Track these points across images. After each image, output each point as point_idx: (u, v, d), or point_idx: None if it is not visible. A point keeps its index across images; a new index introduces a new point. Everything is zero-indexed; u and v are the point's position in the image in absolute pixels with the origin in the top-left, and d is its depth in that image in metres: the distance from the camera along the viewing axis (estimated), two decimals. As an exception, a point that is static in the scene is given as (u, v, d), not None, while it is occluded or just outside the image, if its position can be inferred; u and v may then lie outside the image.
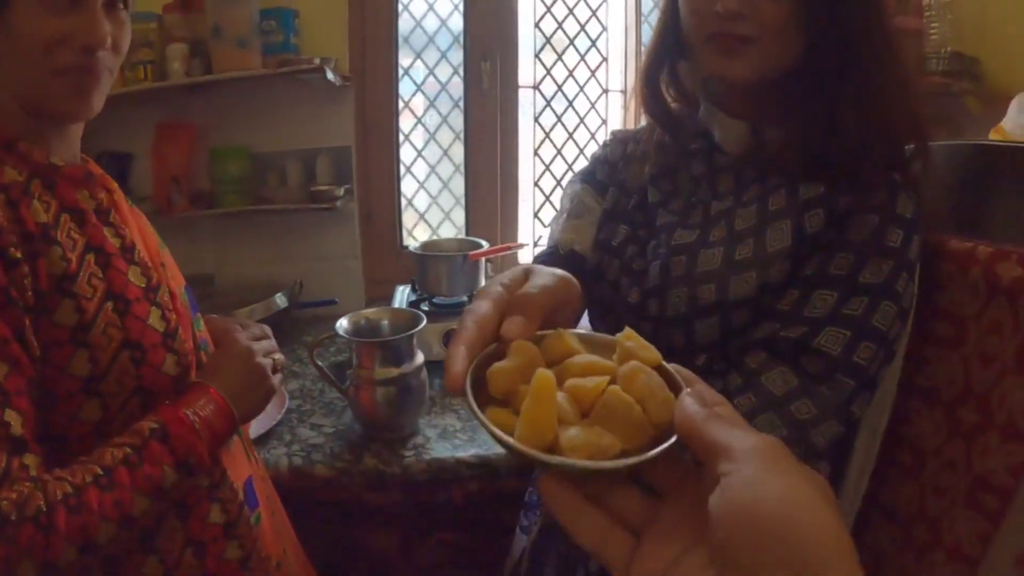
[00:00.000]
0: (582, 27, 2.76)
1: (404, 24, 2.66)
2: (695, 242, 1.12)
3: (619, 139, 1.37)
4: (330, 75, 2.27)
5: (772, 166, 1.11)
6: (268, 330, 1.33)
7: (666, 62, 1.24)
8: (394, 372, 1.68)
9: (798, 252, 1.05)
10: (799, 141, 1.08)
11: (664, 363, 0.61)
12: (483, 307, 0.65)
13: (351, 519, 1.79)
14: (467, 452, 1.69)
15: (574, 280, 0.75)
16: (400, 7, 2.64)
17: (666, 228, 1.17)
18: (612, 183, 1.31)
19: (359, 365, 1.69)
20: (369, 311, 1.81)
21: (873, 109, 1.05)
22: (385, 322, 1.80)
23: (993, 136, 1.83)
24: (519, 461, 0.58)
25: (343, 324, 1.69)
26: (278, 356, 1.29)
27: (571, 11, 2.74)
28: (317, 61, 2.25)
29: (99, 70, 1.04)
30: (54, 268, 0.97)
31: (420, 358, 1.75)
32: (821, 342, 0.99)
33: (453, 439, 1.75)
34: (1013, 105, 1.82)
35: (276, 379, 1.25)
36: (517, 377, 0.59)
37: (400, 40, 2.66)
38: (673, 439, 0.53)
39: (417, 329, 1.70)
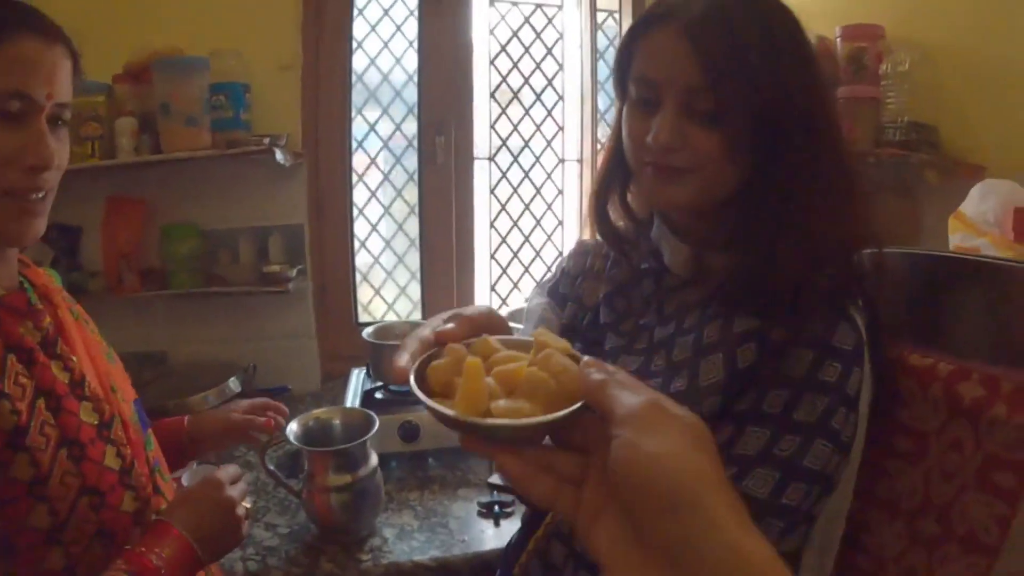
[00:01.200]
0: (538, 96, 2.77)
1: (358, 95, 2.65)
2: (637, 371, 1.13)
3: (581, 251, 1.38)
4: (279, 156, 2.24)
5: (714, 292, 1.12)
6: (240, 472, 1.29)
7: (616, 185, 1.26)
8: (348, 478, 1.64)
9: (729, 387, 1.04)
10: (740, 268, 1.08)
11: (573, 350, 0.72)
12: (423, 331, 0.75)
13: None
14: (425, 555, 1.65)
15: (497, 312, 0.84)
16: (354, 78, 2.62)
17: (612, 353, 1.19)
18: (571, 297, 1.33)
19: (311, 472, 1.66)
20: (320, 411, 1.78)
21: (816, 235, 1.04)
22: (337, 422, 1.77)
23: (952, 222, 1.82)
24: (461, 434, 0.67)
25: (293, 429, 1.65)
26: (250, 505, 1.26)
27: (527, 80, 2.76)
28: (266, 142, 2.22)
29: (44, 190, 1.03)
30: (5, 423, 0.93)
31: (374, 460, 1.71)
32: (749, 484, 0.98)
33: (411, 540, 1.70)
34: (975, 192, 1.82)
35: (246, 527, 1.23)
36: (452, 372, 0.69)
37: (354, 111, 2.64)
38: (580, 403, 0.63)
39: (370, 435, 1.66)
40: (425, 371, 0.72)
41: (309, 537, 1.71)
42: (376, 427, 1.68)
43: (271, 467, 1.68)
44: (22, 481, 0.93)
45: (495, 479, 1.83)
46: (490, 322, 0.82)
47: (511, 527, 1.71)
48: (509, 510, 1.79)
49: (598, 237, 1.31)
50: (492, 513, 1.79)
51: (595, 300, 1.28)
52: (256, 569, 1.59)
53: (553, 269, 1.45)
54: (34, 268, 1.16)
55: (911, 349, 1.19)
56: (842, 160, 1.08)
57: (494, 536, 1.71)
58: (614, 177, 1.25)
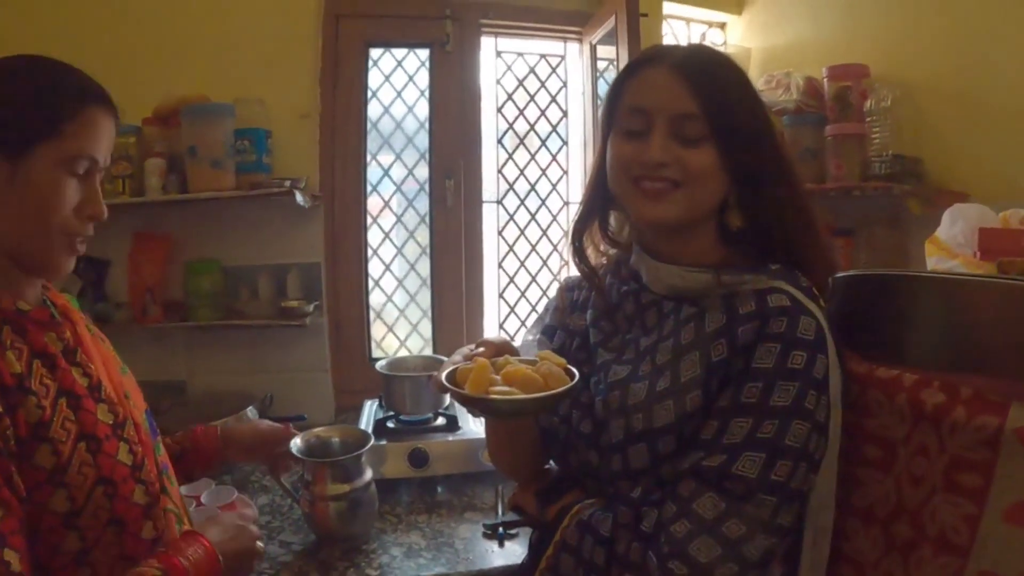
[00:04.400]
0: (543, 142, 2.88)
1: (373, 142, 2.78)
2: (627, 377, 1.25)
3: (568, 287, 1.51)
4: (299, 198, 2.36)
5: (687, 298, 1.25)
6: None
7: (595, 217, 1.40)
8: (345, 488, 1.77)
9: (708, 380, 1.16)
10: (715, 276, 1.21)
11: (568, 366, 1.21)
12: (456, 357, 1.27)
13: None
14: (431, 571, 1.73)
15: (510, 340, 1.33)
16: (369, 125, 2.75)
17: (604, 366, 1.31)
18: (560, 327, 1.47)
19: (311, 482, 1.78)
20: (320, 429, 1.91)
21: (784, 238, 1.23)
22: (336, 440, 1.91)
23: (929, 246, 1.88)
24: (470, 407, 1.28)
25: (296, 443, 1.77)
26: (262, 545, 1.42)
27: (532, 127, 2.87)
28: (287, 184, 2.34)
29: (87, 237, 1.20)
30: (31, 416, 1.05)
31: (369, 475, 1.84)
32: (739, 467, 1.09)
33: (418, 558, 1.79)
34: (946, 217, 1.88)
35: (257, 562, 1.37)
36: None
37: (368, 157, 2.77)
38: (554, 391, 1.14)
39: (365, 449, 1.81)
40: (454, 377, 1.20)
41: (323, 554, 1.79)
42: (371, 443, 1.83)
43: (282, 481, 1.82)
44: (44, 468, 1.05)
45: (509, 516, 1.88)
46: (507, 346, 1.30)
47: (514, 547, 1.79)
48: (513, 532, 1.86)
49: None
50: (496, 535, 1.86)
51: (581, 326, 1.41)
52: (270, 583, 1.69)
53: (545, 307, 1.59)
54: (53, 291, 1.29)
55: (878, 363, 1.25)
56: (798, 184, 1.26)
57: (498, 555, 1.79)
58: (593, 211, 1.39)
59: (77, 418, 1.11)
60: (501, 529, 1.87)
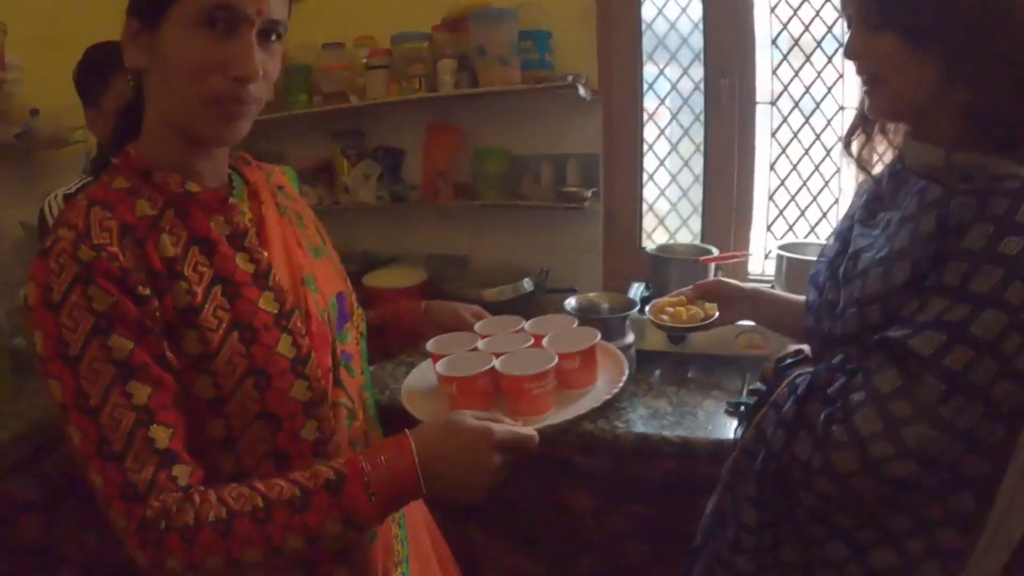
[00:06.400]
0: (818, 44, 2.85)
1: (648, 41, 2.90)
2: (864, 247, 1.26)
3: (859, 192, 1.50)
4: (581, 91, 2.56)
5: (927, 174, 1.21)
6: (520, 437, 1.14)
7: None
8: None
9: (914, 251, 1.12)
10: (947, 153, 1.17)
11: (714, 313, 1.64)
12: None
13: (558, 479, 2.06)
14: (672, 432, 1.92)
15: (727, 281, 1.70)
16: (644, 26, 2.87)
17: (856, 239, 1.33)
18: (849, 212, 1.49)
19: None
20: (592, 294, 2.20)
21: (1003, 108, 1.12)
22: (604, 305, 2.19)
23: None
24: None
25: (571, 303, 2.01)
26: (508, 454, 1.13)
27: (807, 28, 2.84)
28: (570, 79, 2.54)
29: (248, 100, 1.07)
30: (180, 301, 1.03)
31: (630, 338, 2.10)
32: (914, 343, 1.06)
33: (663, 419, 1.98)
34: None
35: (497, 477, 1.11)
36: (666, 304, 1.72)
37: (644, 56, 2.89)
38: (682, 325, 1.66)
39: (630, 312, 2.06)
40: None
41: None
42: (636, 308, 2.10)
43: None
44: (191, 354, 1.04)
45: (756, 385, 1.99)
46: (713, 289, 1.68)
47: (752, 428, 1.92)
48: (756, 413, 1.98)
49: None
50: (738, 412, 2.01)
51: (855, 208, 1.41)
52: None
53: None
54: (255, 166, 1.26)
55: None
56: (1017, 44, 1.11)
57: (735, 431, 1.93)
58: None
59: (232, 306, 1.07)
60: (743, 408, 1.99)
